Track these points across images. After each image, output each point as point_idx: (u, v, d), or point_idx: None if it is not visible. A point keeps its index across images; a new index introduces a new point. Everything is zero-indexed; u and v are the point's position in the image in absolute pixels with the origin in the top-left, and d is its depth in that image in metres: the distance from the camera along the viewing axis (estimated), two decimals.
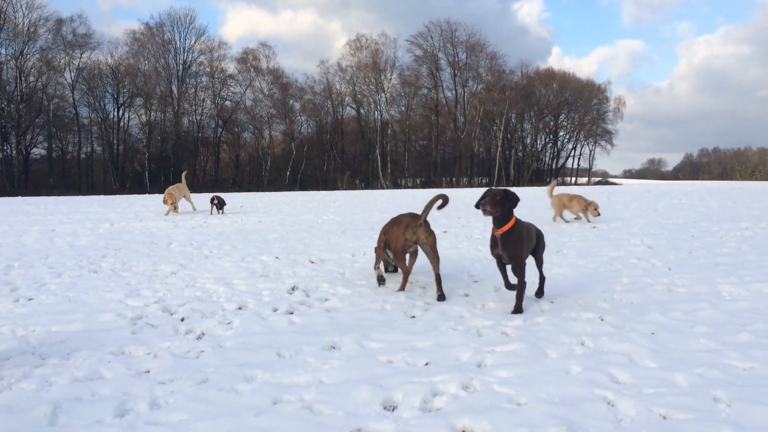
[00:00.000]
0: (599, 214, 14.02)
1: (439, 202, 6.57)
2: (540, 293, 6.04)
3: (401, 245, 6.52)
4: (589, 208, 13.93)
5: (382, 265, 7.23)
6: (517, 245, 5.35)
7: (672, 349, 4.22)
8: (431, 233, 6.53)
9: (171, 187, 17.99)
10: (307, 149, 69.73)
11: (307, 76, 74.59)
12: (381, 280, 6.92)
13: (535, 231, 5.90)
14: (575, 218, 14.63)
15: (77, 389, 3.65)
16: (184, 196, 18.84)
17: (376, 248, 7.24)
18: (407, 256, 6.80)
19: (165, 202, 17.65)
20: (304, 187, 61.76)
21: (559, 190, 19.92)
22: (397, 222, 6.70)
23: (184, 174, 20.31)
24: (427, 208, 6.44)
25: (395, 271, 7.61)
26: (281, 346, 4.51)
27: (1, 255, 9.37)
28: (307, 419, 3.19)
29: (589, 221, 13.92)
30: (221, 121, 67.57)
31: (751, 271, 7.29)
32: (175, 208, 17.69)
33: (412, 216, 6.59)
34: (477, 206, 5.20)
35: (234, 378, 3.85)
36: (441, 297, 6.14)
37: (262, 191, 51.60)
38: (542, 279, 6.09)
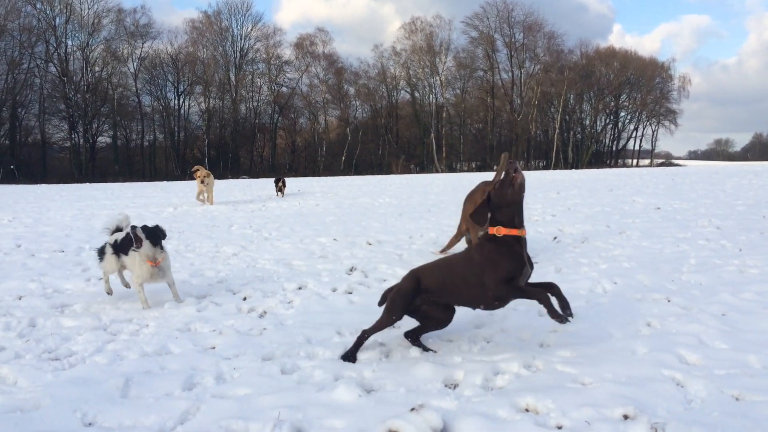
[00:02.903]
0: None
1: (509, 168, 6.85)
2: None
3: None
4: None
5: None
6: None
7: (744, 331, 4.06)
8: None
9: (208, 175, 16.43)
10: (362, 134, 69.85)
11: (361, 61, 74.22)
12: None
13: None
14: None
15: (147, 363, 3.78)
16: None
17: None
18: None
19: (198, 176, 16.17)
20: (359, 172, 61.98)
21: None
22: (472, 193, 7.00)
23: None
24: (499, 172, 6.67)
25: None
26: (341, 324, 4.56)
27: (73, 238, 9.77)
28: (369, 395, 3.22)
29: None
30: (278, 107, 68.31)
31: None
32: (205, 195, 16.47)
33: (486, 183, 6.84)
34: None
35: (296, 355, 3.91)
36: None
37: (318, 176, 52.11)
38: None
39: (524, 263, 3.63)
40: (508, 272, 3.57)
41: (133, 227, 5.02)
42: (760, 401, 2.97)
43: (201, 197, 16.84)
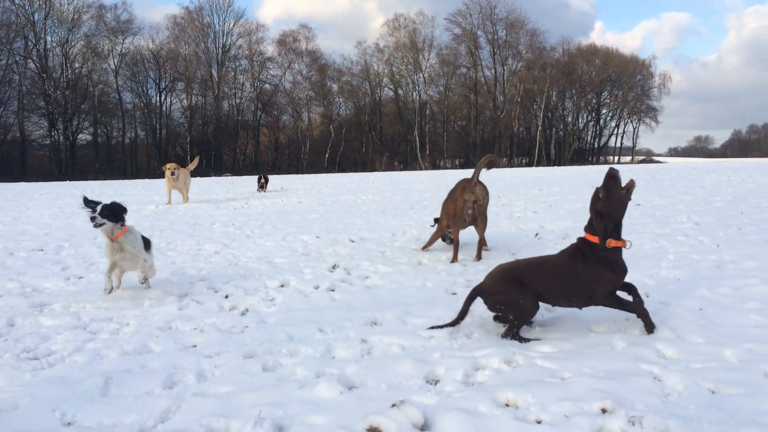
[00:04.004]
0: None
1: (486, 160, 6.91)
2: None
3: (460, 207, 6.80)
4: None
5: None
6: None
7: (721, 325, 4.12)
8: (487, 193, 6.89)
9: (177, 168, 15.87)
10: (346, 131, 69.81)
11: (345, 58, 74.60)
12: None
13: None
14: None
15: (127, 362, 3.76)
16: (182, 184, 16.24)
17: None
18: (466, 223, 7.00)
19: (167, 168, 15.68)
20: (342, 169, 61.94)
21: None
22: (452, 191, 7.08)
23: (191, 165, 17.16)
24: (478, 168, 6.79)
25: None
26: (323, 321, 4.56)
27: (52, 236, 9.66)
28: (351, 392, 3.23)
29: None
30: (261, 104, 68.04)
31: None
32: (183, 192, 16.15)
33: (466, 179, 6.93)
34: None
35: (278, 352, 3.91)
36: (479, 258, 6.91)
37: (302, 174, 51.96)
38: None
39: (624, 273, 3.93)
40: (615, 285, 3.90)
41: (93, 216, 5.31)
42: (735, 394, 3.01)
43: (169, 199, 16.12)
